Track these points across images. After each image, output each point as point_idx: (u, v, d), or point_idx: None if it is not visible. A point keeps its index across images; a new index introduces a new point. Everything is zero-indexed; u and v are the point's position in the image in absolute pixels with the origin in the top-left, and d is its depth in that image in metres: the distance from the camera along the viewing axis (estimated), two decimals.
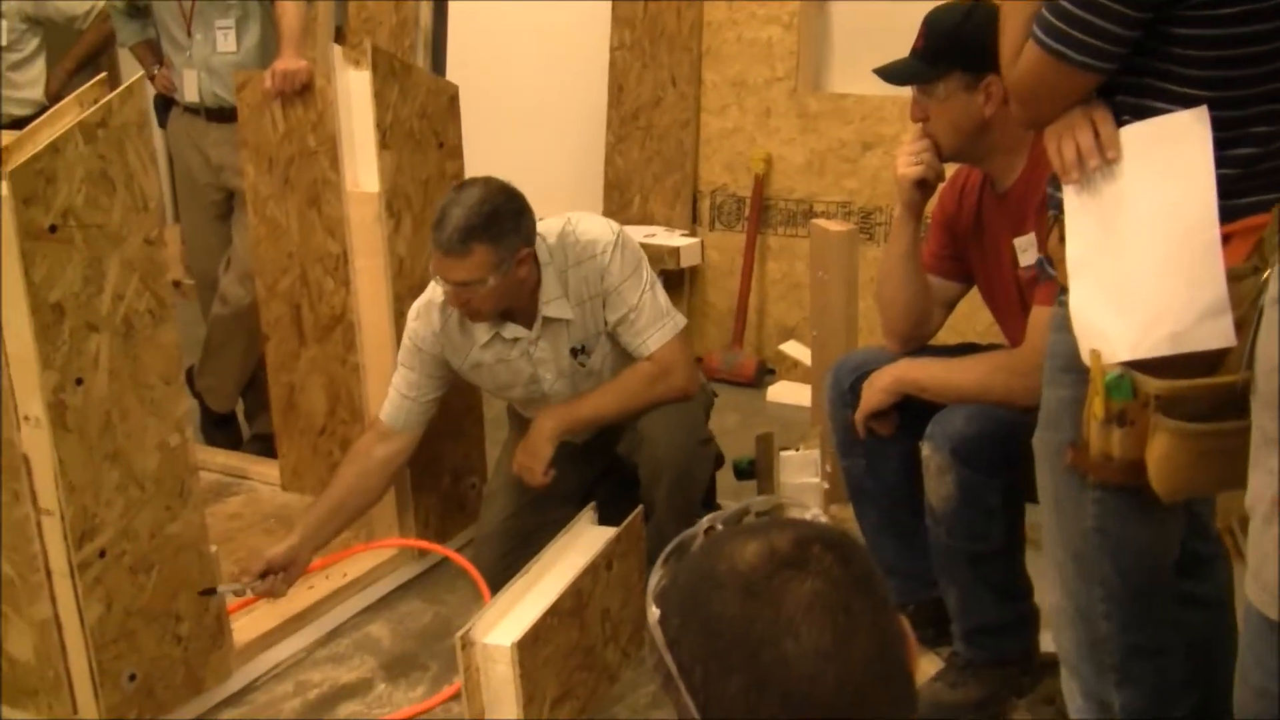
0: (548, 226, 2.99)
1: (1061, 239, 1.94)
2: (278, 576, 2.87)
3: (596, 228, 3.01)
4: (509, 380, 3.10)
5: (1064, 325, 1.95)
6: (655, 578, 1.18)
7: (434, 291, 3.01)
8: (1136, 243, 1.83)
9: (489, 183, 2.86)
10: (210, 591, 2.80)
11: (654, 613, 1.15)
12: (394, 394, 3.11)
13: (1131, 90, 1.87)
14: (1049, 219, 2.04)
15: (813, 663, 1.06)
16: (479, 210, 2.77)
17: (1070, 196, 1.92)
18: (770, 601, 1.08)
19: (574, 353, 3.03)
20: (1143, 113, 1.85)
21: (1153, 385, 1.79)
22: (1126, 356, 1.82)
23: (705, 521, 1.20)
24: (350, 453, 3.18)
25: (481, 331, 3.01)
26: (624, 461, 3.15)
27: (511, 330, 3.00)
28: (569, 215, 3.06)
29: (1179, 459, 1.79)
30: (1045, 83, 1.90)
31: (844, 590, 1.09)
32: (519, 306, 2.97)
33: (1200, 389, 1.77)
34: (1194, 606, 2.23)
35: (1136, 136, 1.86)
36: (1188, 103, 1.81)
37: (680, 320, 3.06)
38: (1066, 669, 2.18)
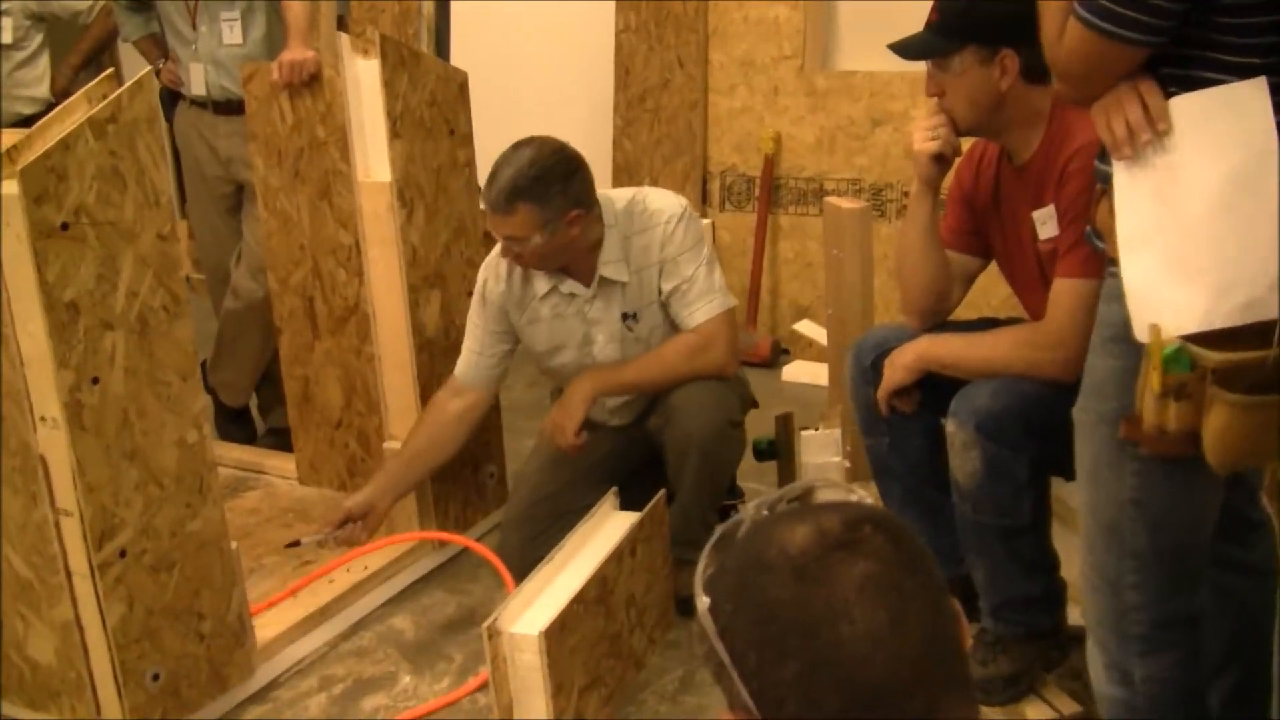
0: (619, 193, 3.10)
1: (1111, 211, 1.91)
2: (357, 525, 3.00)
3: (664, 200, 3.09)
4: (563, 339, 3.12)
5: (1114, 296, 1.92)
6: (702, 566, 1.16)
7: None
8: (1200, 214, 1.80)
9: (544, 144, 2.93)
10: (295, 544, 2.96)
11: (704, 601, 1.13)
12: (465, 351, 3.21)
13: (1176, 61, 1.84)
14: (1097, 191, 2.01)
15: (867, 644, 1.05)
16: (527, 172, 2.86)
17: (1120, 170, 1.89)
18: (822, 584, 1.06)
19: (624, 317, 3.07)
20: (1189, 83, 1.82)
21: (1211, 359, 1.77)
22: (1197, 327, 1.79)
23: (751, 508, 1.18)
24: (427, 408, 3.28)
25: (541, 284, 3.07)
26: (653, 440, 3.14)
27: (569, 286, 3.06)
28: (641, 187, 3.18)
29: (1236, 430, 1.78)
30: (1091, 60, 1.86)
31: (896, 570, 1.08)
32: (576, 264, 3.04)
33: (1255, 361, 1.76)
34: (1240, 573, 2.22)
35: (1189, 107, 1.82)
36: (1234, 71, 1.78)
37: (730, 300, 3.11)
38: (1091, 638, 2.17)
